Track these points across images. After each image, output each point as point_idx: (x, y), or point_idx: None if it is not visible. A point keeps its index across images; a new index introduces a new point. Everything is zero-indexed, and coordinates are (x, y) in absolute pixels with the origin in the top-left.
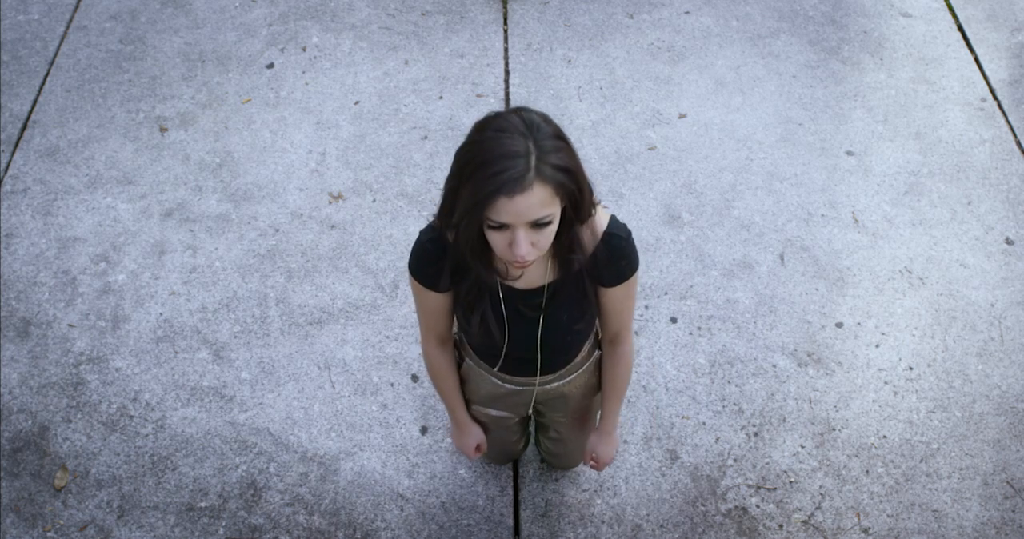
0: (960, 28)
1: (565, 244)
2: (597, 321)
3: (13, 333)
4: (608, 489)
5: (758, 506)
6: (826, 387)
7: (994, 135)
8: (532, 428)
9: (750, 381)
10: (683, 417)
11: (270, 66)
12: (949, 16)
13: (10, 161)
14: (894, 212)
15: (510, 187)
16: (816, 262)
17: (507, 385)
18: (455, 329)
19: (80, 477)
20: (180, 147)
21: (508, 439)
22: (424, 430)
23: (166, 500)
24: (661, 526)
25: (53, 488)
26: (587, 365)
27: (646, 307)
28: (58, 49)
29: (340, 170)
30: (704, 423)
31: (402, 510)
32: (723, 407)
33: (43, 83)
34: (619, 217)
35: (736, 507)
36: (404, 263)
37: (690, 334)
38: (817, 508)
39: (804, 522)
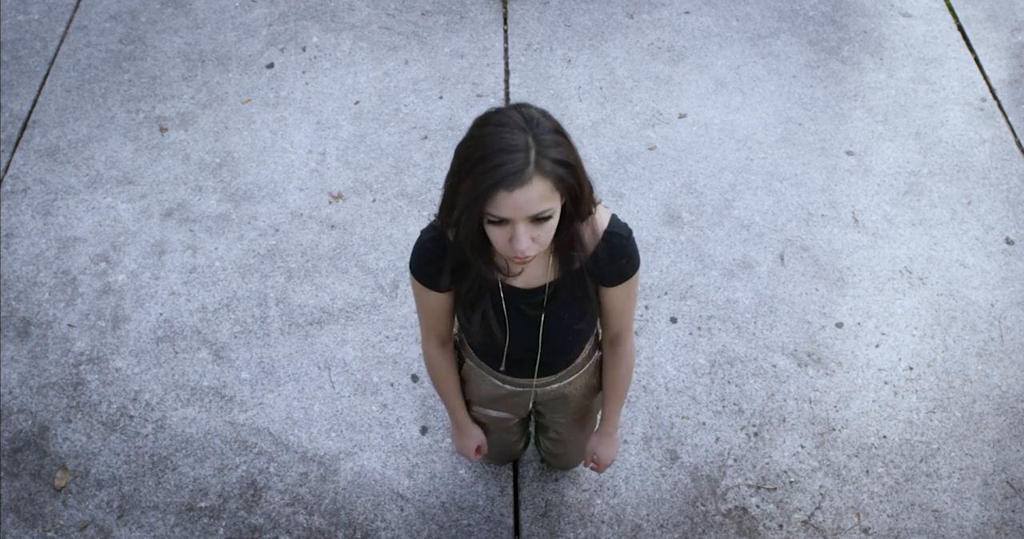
0: (960, 28)
1: (565, 241)
2: (598, 321)
3: (13, 333)
4: (608, 489)
5: (758, 506)
6: (826, 387)
7: (994, 135)
8: (532, 428)
9: (750, 381)
10: (683, 417)
11: (270, 66)
12: (949, 16)
13: (10, 161)
14: (894, 212)
15: (510, 181)
16: (816, 262)
17: (507, 386)
18: (455, 330)
19: (80, 477)
20: (180, 147)
21: (508, 440)
22: (424, 430)
23: (166, 500)
24: (661, 526)
25: (53, 488)
26: (587, 366)
27: (646, 307)
28: (58, 49)
29: (340, 170)
30: (704, 423)
31: (402, 510)
32: (723, 407)
33: (43, 83)
34: (619, 217)
35: (736, 507)
36: (404, 263)
37: (690, 334)
38: (817, 508)
39: (804, 522)
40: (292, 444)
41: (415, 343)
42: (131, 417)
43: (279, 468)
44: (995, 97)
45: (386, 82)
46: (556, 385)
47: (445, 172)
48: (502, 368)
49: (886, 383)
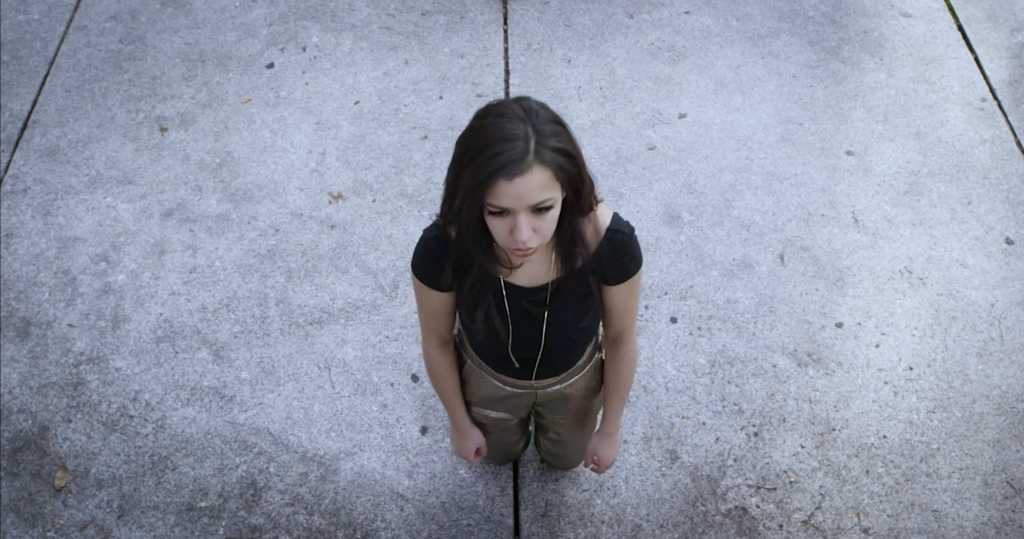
0: (960, 28)
1: (567, 237)
2: (600, 321)
3: (13, 333)
4: (608, 489)
5: (758, 506)
6: (826, 387)
7: (994, 135)
8: (532, 429)
9: (750, 381)
10: (683, 417)
11: (270, 66)
12: (949, 16)
13: (10, 161)
14: (894, 212)
15: (510, 169)
16: (816, 262)
17: (508, 388)
18: (456, 330)
19: (80, 477)
20: (180, 147)
21: (508, 440)
22: (424, 430)
23: (166, 500)
24: (661, 526)
25: (53, 488)
26: (588, 367)
27: (646, 307)
28: (58, 49)
29: (340, 170)
30: (704, 423)
31: (402, 510)
32: (723, 407)
33: (43, 83)
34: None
35: (736, 507)
36: (404, 263)
37: (690, 334)
38: (817, 508)
39: (804, 522)
40: (292, 444)
41: (415, 343)
42: (131, 417)
43: (279, 468)
44: (995, 97)
45: (386, 82)
46: (557, 386)
47: (445, 172)
48: (504, 369)
49: (886, 383)
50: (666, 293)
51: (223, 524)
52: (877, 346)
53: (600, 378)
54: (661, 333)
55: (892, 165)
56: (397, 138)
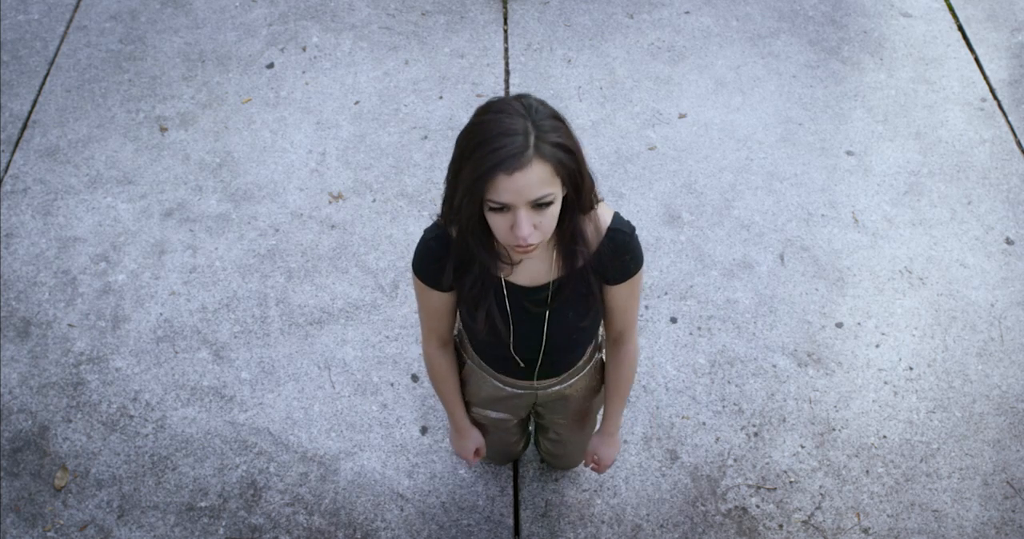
0: (960, 28)
1: (568, 235)
2: (601, 321)
3: (13, 333)
4: (608, 489)
5: (758, 506)
6: (826, 387)
7: (994, 135)
8: (532, 429)
9: (750, 381)
10: (683, 417)
11: (270, 66)
12: (949, 16)
13: (10, 161)
14: (894, 212)
15: (509, 163)
16: (816, 262)
17: (509, 388)
18: (456, 331)
19: (80, 477)
20: (180, 147)
21: (507, 440)
22: (424, 430)
23: (166, 500)
24: (661, 526)
25: (53, 488)
26: (588, 367)
27: (646, 307)
28: (58, 49)
29: (340, 170)
30: (704, 423)
31: (402, 510)
32: (723, 407)
33: (43, 83)
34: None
35: (736, 507)
36: (404, 263)
37: (690, 334)
38: (817, 508)
39: (804, 522)
40: (292, 444)
41: (415, 343)
42: (131, 417)
43: (279, 468)
44: (995, 97)
45: (386, 82)
46: (557, 387)
47: (445, 172)
48: (505, 369)
49: (886, 383)
50: (666, 293)
51: (223, 524)
52: (877, 346)
53: (600, 378)
54: (661, 333)
55: (892, 165)
56: (397, 138)
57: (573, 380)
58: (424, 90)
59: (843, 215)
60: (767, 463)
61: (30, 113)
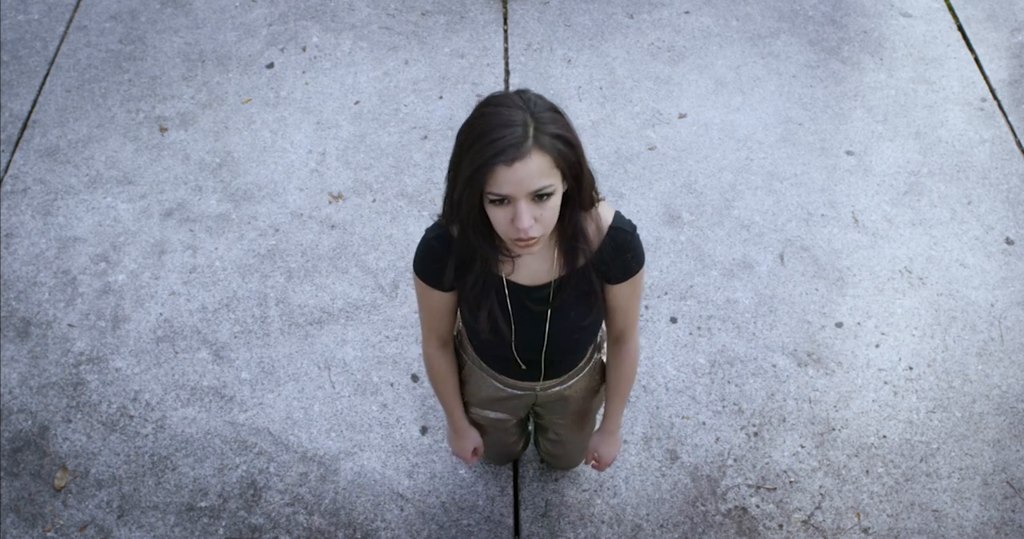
0: (960, 28)
1: (569, 232)
2: (603, 320)
3: (13, 333)
4: (608, 489)
5: (758, 506)
6: (826, 387)
7: (994, 135)
8: (531, 429)
9: (750, 381)
10: (683, 417)
11: (270, 66)
12: (949, 16)
13: (10, 161)
14: (894, 212)
15: (509, 154)
16: (816, 262)
17: (509, 389)
18: (456, 330)
19: (80, 477)
20: (180, 147)
21: (507, 441)
22: (424, 430)
23: (166, 500)
24: (661, 526)
25: (53, 488)
26: (588, 368)
27: (646, 307)
28: (58, 49)
29: (340, 170)
30: (704, 423)
31: (402, 510)
32: (723, 407)
33: (43, 83)
34: None
35: (736, 507)
36: (404, 263)
37: (690, 334)
38: (817, 508)
39: (804, 522)
40: (292, 444)
41: (415, 343)
42: (131, 417)
43: (279, 468)
44: (995, 97)
45: (386, 82)
46: (557, 388)
47: (445, 172)
48: (506, 370)
49: (886, 383)
50: (666, 293)
51: (223, 524)
52: (877, 346)
53: (599, 379)
54: (661, 333)
55: (892, 165)
56: (397, 138)
57: (573, 381)
58: (424, 90)
59: (843, 215)
60: (767, 463)
61: (30, 113)
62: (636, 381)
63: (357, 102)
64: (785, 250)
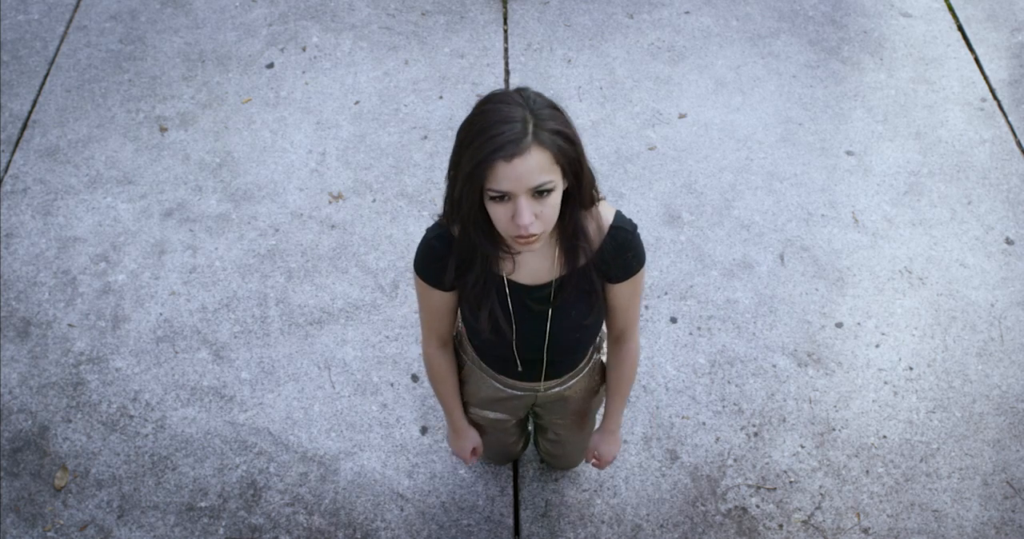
0: (960, 28)
1: (570, 231)
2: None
3: (13, 333)
4: (608, 489)
5: (758, 506)
6: (826, 387)
7: (994, 135)
8: (531, 428)
9: (750, 381)
10: (683, 417)
11: (270, 66)
12: (949, 16)
13: (10, 161)
14: (894, 212)
15: (508, 149)
16: (816, 262)
17: (509, 389)
18: (456, 328)
19: (80, 477)
20: (180, 147)
21: (506, 441)
22: (424, 430)
23: (166, 500)
24: (661, 526)
25: (53, 488)
26: (587, 369)
27: (646, 307)
28: (58, 49)
29: (340, 170)
30: (704, 423)
31: (402, 510)
32: (723, 407)
33: (43, 83)
34: None
35: (736, 507)
36: (404, 263)
37: (690, 334)
38: (817, 508)
39: (804, 522)
40: (292, 444)
41: (415, 343)
42: (131, 417)
43: (279, 468)
44: (995, 97)
45: (386, 82)
46: (557, 389)
47: (445, 172)
48: (506, 371)
49: (886, 383)
50: (666, 293)
51: (223, 524)
52: (877, 346)
53: (599, 380)
54: (661, 333)
55: (892, 165)
56: (397, 138)
57: (572, 382)
58: (424, 90)
59: (843, 215)
60: (767, 463)
61: (30, 113)
62: (636, 381)
63: (357, 102)
64: (785, 250)
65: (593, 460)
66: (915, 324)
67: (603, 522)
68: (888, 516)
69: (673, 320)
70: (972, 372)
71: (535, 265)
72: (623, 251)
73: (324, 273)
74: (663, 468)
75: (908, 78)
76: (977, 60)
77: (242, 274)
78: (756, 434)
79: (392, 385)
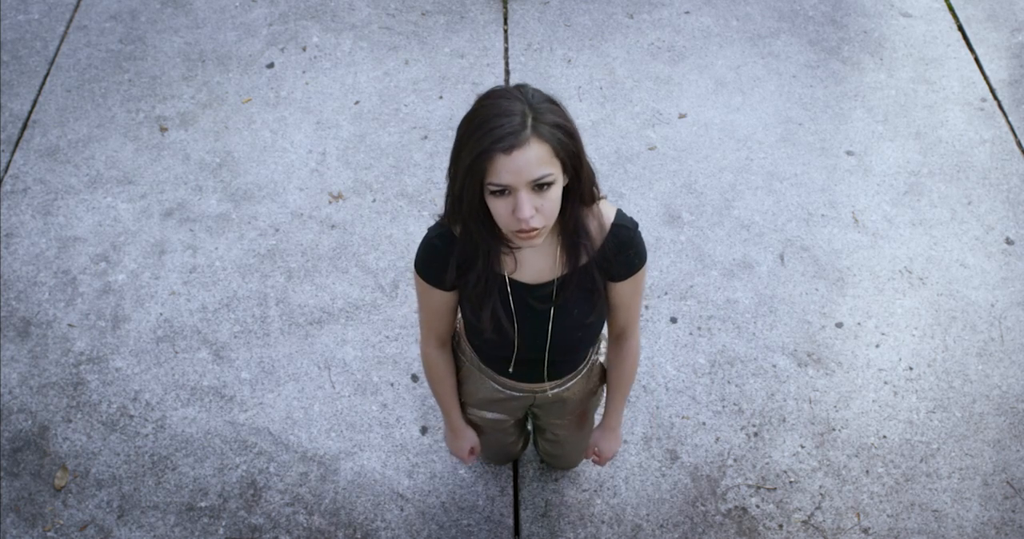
0: (960, 28)
1: (571, 227)
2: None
3: (13, 333)
4: (608, 489)
5: (758, 506)
6: (826, 387)
7: (994, 135)
8: (531, 428)
9: (750, 381)
10: (683, 417)
11: (270, 66)
12: (949, 16)
13: (10, 161)
14: (894, 212)
15: (507, 142)
16: (816, 262)
17: (507, 391)
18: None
19: (80, 477)
20: (180, 147)
21: (505, 441)
22: (424, 430)
23: (166, 500)
24: (661, 526)
25: (53, 488)
26: (585, 370)
27: (646, 307)
28: (58, 49)
29: (340, 170)
30: (704, 423)
31: (402, 510)
32: (723, 407)
33: (43, 83)
34: None
35: (736, 507)
36: (404, 263)
37: (690, 334)
38: (817, 508)
39: (804, 522)
40: (292, 444)
41: (415, 343)
42: (131, 417)
43: (279, 468)
44: (995, 97)
45: (386, 82)
46: (556, 390)
47: (445, 172)
48: (510, 370)
49: (886, 383)
50: (666, 293)
51: (223, 524)
52: (877, 346)
53: (597, 381)
54: (661, 333)
55: (892, 165)
56: (397, 138)
57: (571, 383)
58: (424, 90)
59: (843, 215)
60: (767, 463)
61: (30, 113)
62: (636, 381)
63: (357, 102)
64: (785, 250)
65: (593, 457)
66: (915, 324)
67: (603, 522)
68: (888, 516)
69: (673, 320)
70: (972, 372)
71: (537, 264)
72: (625, 249)
73: (324, 273)
74: (663, 468)
75: (908, 78)
76: (977, 60)
77: (242, 274)
78: (756, 434)
79: (392, 385)
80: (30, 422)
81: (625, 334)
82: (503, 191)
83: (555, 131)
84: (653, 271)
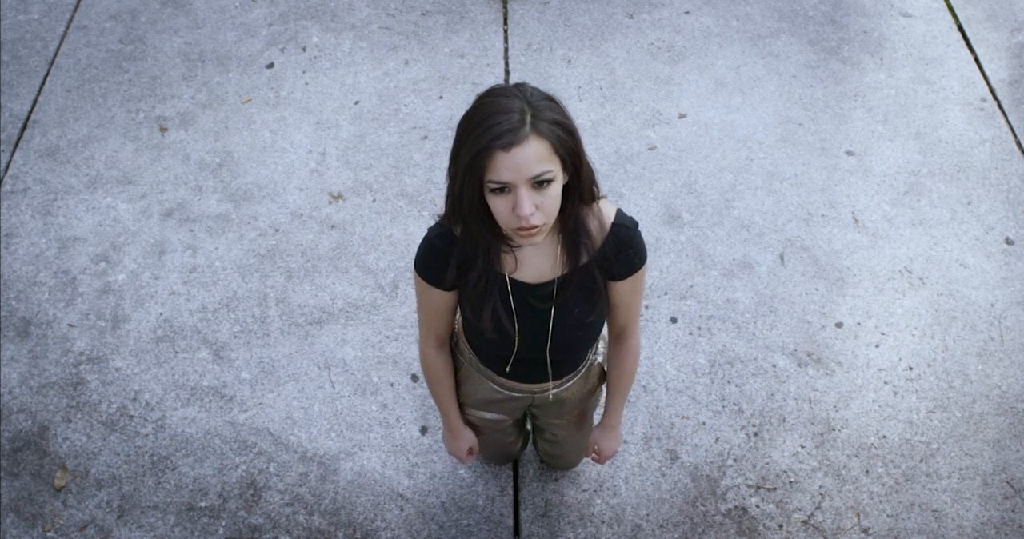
0: (960, 28)
1: (571, 226)
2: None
3: (13, 333)
4: (608, 489)
5: (758, 506)
6: (826, 387)
7: (994, 135)
8: (530, 428)
9: (750, 381)
10: (683, 417)
11: (270, 66)
12: (949, 16)
13: (10, 161)
14: (894, 212)
15: (506, 138)
16: (816, 262)
17: (506, 391)
18: (458, 322)
19: (80, 477)
20: (180, 147)
21: (504, 441)
22: (424, 430)
23: (166, 500)
24: (661, 526)
25: (53, 488)
26: (584, 370)
27: (646, 307)
28: (58, 49)
29: (340, 170)
30: (704, 423)
31: (402, 510)
32: (723, 407)
33: (43, 83)
34: None
35: (736, 507)
36: (404, 263)
37: (690, 334)
38: (817, 508)
39: (804, 522)
40: (292, 444)
41: (415, 343)
42: (131, 417)
43: (279, 468)
44: (995, 97)
45: (386, 82)
46: (555, 390)
47: (445, 172)
48: (508, 370)
49: (886, 383)
50: (666, 293)
51: (223, 524)
52: (877, 346)
53: (596, 382)
54: (661, 333)
55: (892, 165)
56: (397, 138)
57: (570, 383)
58: (424, 90)
59: (843, 215)
60: (767, 463)
61: (30, 113)
62: (636, 381)
63: (357, 102)
64: (785, 250)
65: (593, 455)
66: (915, 324)
67: (603, 522)
68: (888, 516)
69: (673, 320)
70: (972, 372)
71: (537, 263)
72: (625, 248)
73: (324, 273)
74: (663, 468)
75: (908, 78)
76: (977, 60)
77: (242, 274)
78: (756, 434)
79: (392, 385)
80: (30, 422)
81: (625, 333)
82: (503, 188)
83: (554, 128)
84: (653, 271)
